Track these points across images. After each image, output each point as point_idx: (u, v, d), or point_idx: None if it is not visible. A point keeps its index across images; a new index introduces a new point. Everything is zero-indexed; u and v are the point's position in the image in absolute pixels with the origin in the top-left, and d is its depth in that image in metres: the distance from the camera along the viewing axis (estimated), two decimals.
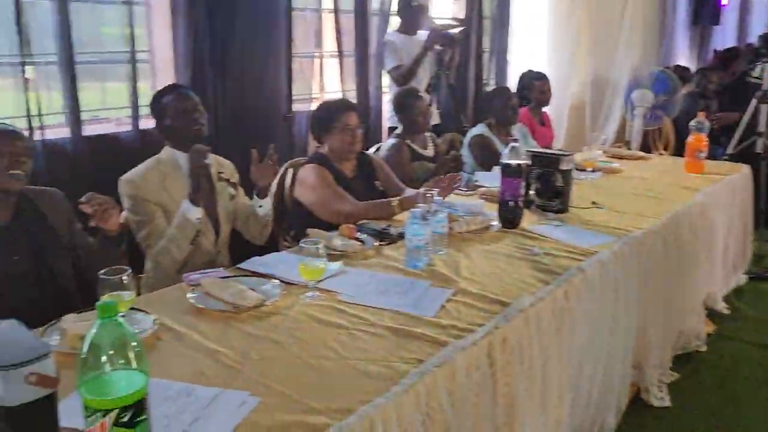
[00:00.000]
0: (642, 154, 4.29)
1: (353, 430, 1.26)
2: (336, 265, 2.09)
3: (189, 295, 1.85)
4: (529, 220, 2.65)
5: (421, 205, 2.36)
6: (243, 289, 1.84)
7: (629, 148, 4.81)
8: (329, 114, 2.89)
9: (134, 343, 0.98)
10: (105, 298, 1.53)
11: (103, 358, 0.96)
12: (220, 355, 1.53)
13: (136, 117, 3.14)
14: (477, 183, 3.37)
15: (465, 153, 3.95)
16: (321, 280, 1.93)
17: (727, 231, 3.55)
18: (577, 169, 3.26)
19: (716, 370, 3.12)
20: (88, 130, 3.03)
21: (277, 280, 1.96)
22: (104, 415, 0.95)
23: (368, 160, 3.08)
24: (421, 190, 2.55)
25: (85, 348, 0.96)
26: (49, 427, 1.01)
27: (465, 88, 4.99)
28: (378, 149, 3.65)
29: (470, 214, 2.70)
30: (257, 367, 1.48)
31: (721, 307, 3.67)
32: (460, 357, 1.55)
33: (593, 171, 3.60)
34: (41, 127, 2.83)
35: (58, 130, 2.98)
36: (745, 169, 3.85)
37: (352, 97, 4.14)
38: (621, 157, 4.14)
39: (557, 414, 2.05)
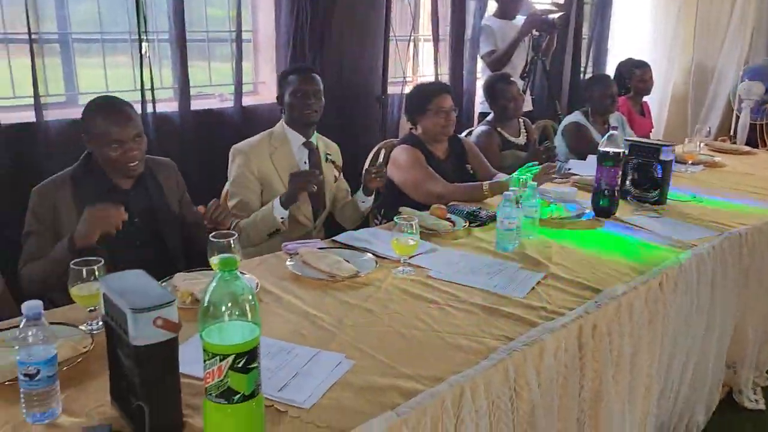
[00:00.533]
0: (748, 148, 4.09)
1: (443, 397, 1.30)
2: (427, 244, 2.14)
3: (288, 262, 1.94)
4: (623, 211, 2.60)
5: (513, 189, 2.38)
6: (339, 260, 1.92)
7: (733, 143, 4.59)
8: (424, 96, 2.92)
9: (249, 297, 1.06)
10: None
11: (222, 309, 1.04)
12: (316, 319, 1.61)
13: (240, 93, 3.28)
14: (570, 171, 3.32)
15: (558, 141, 3.89)
16: (413, 256, 1.98)
17: None
18: (677, 162, 3.15)
19: None
20: (194, 105, 3.20)
21: (370, 254, 2.03)
22: (221, 360, 1.03)
23: (460, 143, 3.10)
24: (514, 175, 2.55)
25: (207, 298, 1.05)
26: (171, 368, 1.12)
27: (561, 74, 4.90)
28: (469, 135, 3.65)
29: (563, 202, 2.68)
30: (352, 333, 1.55)
31: None
32: (549, 338, 1.56)
33: (694, 164, 3.46)
34: (153, 101, 3.01)
35: (167, 104, 3.17)
36: None
37: (446, 81, 4.15)
38: (724, 152, 3.97)
39: (644, 405, 2.02)
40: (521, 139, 3.60)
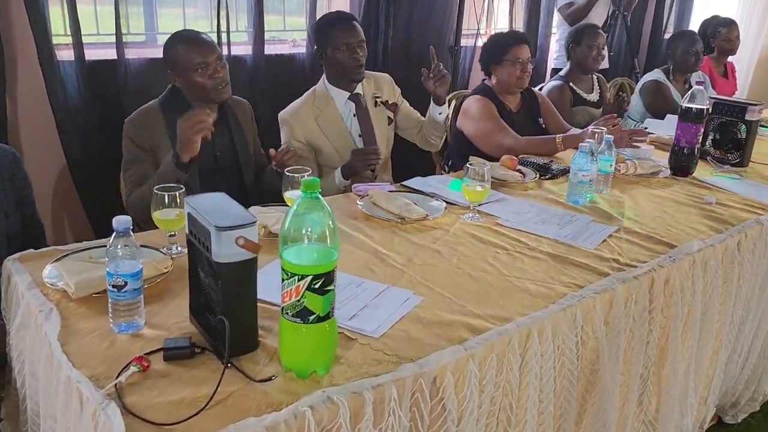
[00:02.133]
0: None
1: (511, 336, 1.31)
2: (497, 193, 2.12)
3: (358, 203, 1.97)
4: (702, 171, 2.50)
5: (588, 140, 2.32)
6: (408, 203, 1.93)
7: None
8: (502, 45, 2.86)
9: (330, 222, 1.08)
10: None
11: (303, 231, 1.07)
12: (386, 257, 1.64)
13: (311, 39, 3.30)
14: (647, 130, 3.20)
15: (635, 99, 3.76)
16: (482, 204, 1.97)
17: None
18: (762, 126, 3.00)
19: None
20: (268, 50, 3.23)
21: (440, 200, 2.03)
22: (300, 280, 1.07)
23: (533, 95, 3.03)
24: (590, 128, 2.49)
25: (288, 220, 1.08)
26: (250, 286, 1.16)
27: (641, 31, 4.69)
28: (540, 90, 3.56)
29: (639, 158, 2.61)
30: (420, 272, 1.57)
31: None
32: (620, 288, 1.54)
33: None
34: (228, 43, 3.06)
35: (242, 47, 3.21)
36: None
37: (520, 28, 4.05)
38: None
39: (710, 368, 1.98)
40: (594, 96, 3.49)
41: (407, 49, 3.55)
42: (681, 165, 2.45)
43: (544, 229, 1.86)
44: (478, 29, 3.86)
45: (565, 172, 2.31)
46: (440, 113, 2.57)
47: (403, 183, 2.21)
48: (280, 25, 3.50)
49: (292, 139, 2.47)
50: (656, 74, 3.70)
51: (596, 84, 3.54)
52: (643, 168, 2.41)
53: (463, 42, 3.76)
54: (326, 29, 2.50)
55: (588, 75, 3.49)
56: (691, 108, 2.38)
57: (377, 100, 2.58)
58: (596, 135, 2.36)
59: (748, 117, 2.58)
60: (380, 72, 2.77)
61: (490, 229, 1.86)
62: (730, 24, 4.30)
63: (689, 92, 2.40)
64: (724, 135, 2.67)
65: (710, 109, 2.56)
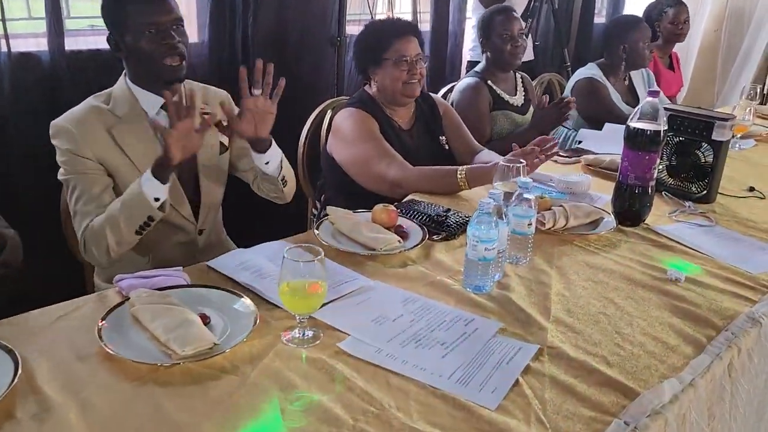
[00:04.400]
0: None
1: None
2: (356, 277, 1.35)
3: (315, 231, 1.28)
4: (657, 212, 1.79)
5: (497, 186, 1.57)
6: (186, 320, 1.13)
7: None
8: (379, 39, 2.07)
9: None
10: None
11: None
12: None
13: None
14: (580, 146, 2.49)
15: None
16: (324, 304, 1.19)
17: None
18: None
19: None
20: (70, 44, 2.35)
21: (248, 302, 1.23)
22: None
23: (432, 105, 2.26)
24: (502, 160, 1.74)
25: None
26: None
27: (571, 15, 3.99)
28: (449, 91, 2.80)
29: (569, 196, 1.88)
30: None
31: None
32: None
33: (744, 138, 2.63)
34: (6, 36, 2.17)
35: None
36: None
37: (426, 20, 3.28)
38: None
39: None
40: (518, 98, 2.75)
41: (277, 41, 2.73)
42: (630, 211, 1.73)
43: (414, 363, 1.10)
44: (373, 13, 3.05)
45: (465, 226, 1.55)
46: (267, 162, 1.69)
47: (210, 264, 1.39)
48: (89, 11, 2.61)
49: (73, 156, 1.56)
50: (590, 70, 2.99)
51: (520, 84, 2.80)
52: (578, 217, 1.67)
53: (351, 30, 2.95)
54: (121, 5, 1.57)
55: (508, 73, 2.74)
56: (644, 131, 1.65)
57: (204, 115, 1.71)
58: (513, 169, 1.61)
59: (716, 136, 1.89)
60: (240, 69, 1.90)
61: (324, 366, 1.08)
62: (679, 4, 3.63)
63: (638, 107, 1.68)
64: (684, 159, 1.98)
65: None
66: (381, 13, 3.23)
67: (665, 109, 1.89)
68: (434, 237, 1.59)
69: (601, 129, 2.71)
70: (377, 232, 1.54)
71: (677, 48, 3.92)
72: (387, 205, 1.63)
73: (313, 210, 2.25)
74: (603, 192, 1.95)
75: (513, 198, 1.48)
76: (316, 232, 1.54)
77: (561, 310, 1.30)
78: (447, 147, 2.21)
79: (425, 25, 3.26)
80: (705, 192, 1.93)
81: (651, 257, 1.55)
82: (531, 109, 2.73)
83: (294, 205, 2.32)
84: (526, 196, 1.46)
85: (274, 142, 1.68)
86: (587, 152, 2.37)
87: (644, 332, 1.23)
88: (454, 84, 2.81)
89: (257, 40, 2.66)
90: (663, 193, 1.95)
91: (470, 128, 2.50)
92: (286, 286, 1.11)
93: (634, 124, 1.67)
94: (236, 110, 1.61)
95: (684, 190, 1.97)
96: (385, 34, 2.05)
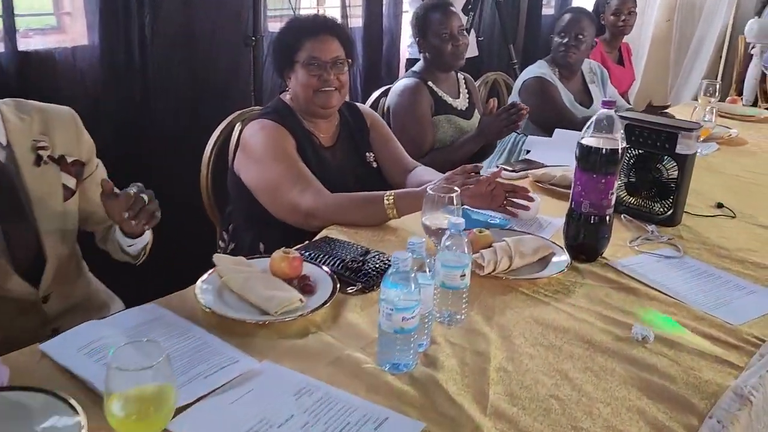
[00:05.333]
0: (765, 113, 3.04)
1: None
2: (235, 366, 1.03)
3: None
4: (616, 241, 1.51)
5: (426, 221, 1.28)
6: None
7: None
8: (292, 38, 1.75)
9: None
10: None
11: None
12: None
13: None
14: (528, 158, 2.22)
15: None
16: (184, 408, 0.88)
17: None
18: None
19: None
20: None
21: (80, 416, 0.90)
22: None
23: (358, 116, 1.94)
24: (431, 184, 1.44)
25: None
26: None
27: (517, 7, 3.72)
28: (386, 94, 2.49)
29: (514, 222, 1.60)
30: None
31: None
32: None
33: (705, 141, 2.39)
34: None
35: None
36: None
37: (357, 15, 2.95)
38: (734, 117, 2.91)
39: None
40: (461, 101, 2.46)
41: (184, 40, 2.38)
42: (584, 245, 1.45)
43: None
44: (295, 8, 2.71)
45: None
46: (131, 245, 1.41)
47: (42, 348, 1.06)
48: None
49: None
50: (540, 68, 2.71)
51: (463, 86, 2.50)
52: (524, 255, 1.38)
53: (273, 27, 2.61)
54: None
55: (449, 73, 2.44)
56: (598, 150, 1.37)
57: (39, 151, 1.34)
58: (444, 199, 1.32)
59: (680, 149, 1.62)
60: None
61: None
62: None
63: (591, 121, 1.39)
64: (644, 175, 1.71)
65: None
66: (307, 9, 2.90)
67: (621, 117, 1.62)
68: (348, 290, 1.28)
69: (551, 135, 2.45)
70: (274, 287, 1.22)
71: (630, 40, 3.70)
72: (288, 251, 1.31)
73: (220, 242, 1.92)
74: (554, 214, 1.68)
75: (442, 241, 1.18)
76: (197, 292, 1.21)
77: (502, 394, 1.00)
78: (375, 165, 1.90)
79: (357, 21, 2.94)
80: (670, 212, 1.67)
81: (612, 306, 1.27)
82: (476, 113, 2.44)
83: (196, 234, 2.01)
84: (457, 238, 1.16)
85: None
86: (536, 164, 2.09)
87: (608, 425, 0.95)
88: (389, 87, 2.50)
89: (158, 40, 2.30)
90: (622, 216, 1.68)
91: (410, 136, 2.22)
92: (115, 400, 0.79)
93: (587, 140, 1.39)
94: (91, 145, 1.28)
95: (646, 211, 1.70)
96: (299, 33, 1.73)
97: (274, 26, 2.60)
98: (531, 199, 1.60)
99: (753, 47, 3.44)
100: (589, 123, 1.40)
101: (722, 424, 0.95)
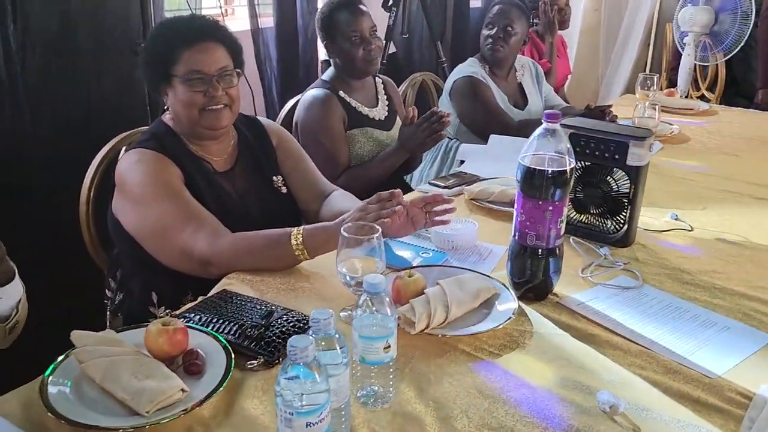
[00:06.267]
0: (705, 105, 2.93)
1: None
2: None
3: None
4: (567, 270, 1.30)
5: (343, 269, 1.04)
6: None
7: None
8: (165, 48, 1.45)
9: None
10: None
11: None
12: None
13: None
14: (461, 170, 1.99)
15: (444, 105, 2.54)
16: None
17: None
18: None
19: None
20: None
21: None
22: None
23: (260, 135, 1.66)
24: (346, 216, 1.18)
25: None
26: None
27: (444, 2, 3.51)
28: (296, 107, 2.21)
29: (450, 254, 1.38)
30: None
31: None
32: None
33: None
34: None
35: None
36: None
37: (268, 14, 2.67)
38: (673, 112, 2.79)
39: None
40: (379, 110, 2.19)
41: (62, 49, 2.04)
42: (532, 283, 1.23)
43: None
44: (193, 8, 2.39)
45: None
46: None
47: None
48: None
49: None
50: (471, 67, 2.50)
51: (382, 92, 2.25)
52: (462, 303, 1.15)
53: None
54: None
55: (364, 80, 2.18)
56: (542, 173, 1.15)
57: None
58: (361, 242, 1.08)
59: (631, 161, 1.43)
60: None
61: None
62: None
63: (532, 138, 1.17)
64: (593, 191, 1.51)
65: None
66: (210, 9, 2.59)
67: (564, 126, 1.42)
68: (247, 364, 1.02)
69: (486, 140, 2.24)
70: (147, 374, 0.95)
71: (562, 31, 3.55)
72: (169, 320, 1.04)
73: (108, 292, 1.61)
74: (495, 240, 1.46)
75: (358, 303, 0.93)
76: (48, 387, 0.93)
77: None
78: (284, 190, 1.63)
79: (268, 21, 2.65)
80: (623, 230, 1.48)
81: (571, 364, 1.05)
82: (398, 122, 2.20)
83: (80, 281, 1.71)
84: (377, 299, 0.92)
85: (17, 275, 1.07)
86: (470, 177, 1.87)
87: None
88: (299, 97, 2.22)
89: (29, 49, 1.96)
90: (571, 238, 1.48)
91: (323, 155, 1.96)
92: None
93: (528, 161, 1.16)
94: None
95: (596, 230, 1.51)
96: (174, 41, 1.44)
97: None
98: (449, 201, 1.37)
99: (686, 36, 3.36)
100: (530, 139, 1.17)
101: None
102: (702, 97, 3.84)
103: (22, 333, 1.20)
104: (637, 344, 1.11)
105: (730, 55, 3.28)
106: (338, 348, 0.84)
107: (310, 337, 0.78)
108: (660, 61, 4.70)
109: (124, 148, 1.69)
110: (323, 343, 0.83)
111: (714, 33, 3.25)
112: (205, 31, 1.46)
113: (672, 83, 4.01)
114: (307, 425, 0.76)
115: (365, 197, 1.38)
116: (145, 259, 1.44)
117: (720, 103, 3.66)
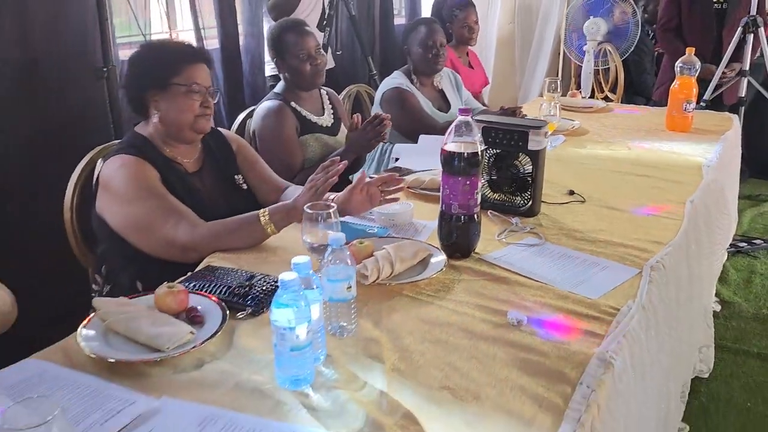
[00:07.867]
0: (603, 104, 3.35)
1: None
2: (132, 407, 1.01)
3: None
4: (486, 235, 1.63)
5: (306, 240, 1.32)
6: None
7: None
8: (168, 62, 1.72)
9: None
10: None
11: None
12: None
13: None
14: (397, 165, 2.32)
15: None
16: None
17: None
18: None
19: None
20: None
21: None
22: None
23: (222, 142, 1.93)
24: (306, 207, 1.47)
25: None
26: None
27: (373, 20, 3.85)
28: (251, 116, 2.50)
29: (392, 229, 1.68)
30: None
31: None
32: None
33: (552, 134, 2.61)
34: None
35: None
36: (735, 122, 2.99)
37: (213, 36, 2.93)
38: (575, 110, 3.19)
39: None
40: (326, 118, 2.51)
41: (25, 75, 2.24)
42: (457, 244, 1.55)
43: None
44: (145, 33, 2.64)
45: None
46: None
47: None
48: None
49: None
50: (396, 79, 2.84)
51: (327, 102, 2.56)
52: (404, 260, 1.46)
53: (124, 55, 2.52)
54: None
55: (311, 91, 2.49)
56: (460, 155, 1.48)
57: None
58: (322, 216, 1.36)
59: (532, 146, 1.78)
60: None
61: None
62: (467, 6, 3.59)
63: (450, 129, 1.50)
64: (504, 173, 1.85)
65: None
66: (159, 33, 2.83)
67: (478, 121, 1.75)
68: (238, 315, 1.30)
69: (416, 141, 2.56)
70: (162, 323, 1.21)
71: (477, 43, 3.93)
72: (173, 285, 1.30)
73: (94, 286, 1.84)
74: (428, 218, 1.78)
75: (325, 256, 1.22)
76: (79, 338, 1.18)
77: (399, 392, 1.07)
78: (245, 186, 1.91)
79: (213, 42, 2.91)
80: (529, 204, 1.82)
81: (488, 297, 1.37)
82: (343, 127, 2.51)
83: (67, 278, 1.92)
84: (340, 252, 1.21)
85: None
86: (405, 171, 2.19)
87: (496, 405, 1.04)
88: (254, 108, 2.51)
89: None
90: (488, 212, 1.81)
91: (279, 159, 2.25)
92: None
93: (450, 147, 1.49)
94: None
95: (509, 205, 1.85)
96: (176, 57, 1.71)
97: (125, 54, 2.52)
98: (400, 181, 1.71)
99: (584, 45, 3.81)
100: (449, 130, 1.50)
101: (591, 388, 1.07)
102: (606, 98, 4.32)
103: (10, 330, 1.37)
104: (538, 281, 1.44)
105: (625, 56, 3.73)
106: (314, 286, 1.13)
107: (295, 274, 1.06)
108: (570, 68, 5.20)
109: (101, 159, 1.92)
110: (303, 283, 1.11)
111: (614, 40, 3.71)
112: (202, 53, 1.77)
113: (580, 87, 4.48)
114: (296, 337, 1.05)
115: None
116: (131, 254, 1.68)
117: (621, 102, 4.15)
